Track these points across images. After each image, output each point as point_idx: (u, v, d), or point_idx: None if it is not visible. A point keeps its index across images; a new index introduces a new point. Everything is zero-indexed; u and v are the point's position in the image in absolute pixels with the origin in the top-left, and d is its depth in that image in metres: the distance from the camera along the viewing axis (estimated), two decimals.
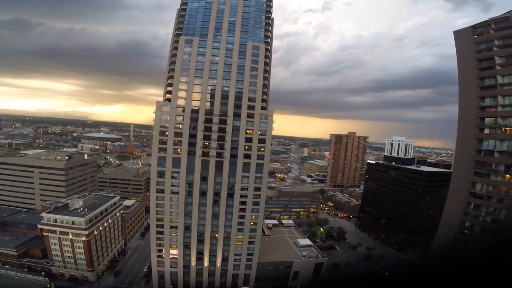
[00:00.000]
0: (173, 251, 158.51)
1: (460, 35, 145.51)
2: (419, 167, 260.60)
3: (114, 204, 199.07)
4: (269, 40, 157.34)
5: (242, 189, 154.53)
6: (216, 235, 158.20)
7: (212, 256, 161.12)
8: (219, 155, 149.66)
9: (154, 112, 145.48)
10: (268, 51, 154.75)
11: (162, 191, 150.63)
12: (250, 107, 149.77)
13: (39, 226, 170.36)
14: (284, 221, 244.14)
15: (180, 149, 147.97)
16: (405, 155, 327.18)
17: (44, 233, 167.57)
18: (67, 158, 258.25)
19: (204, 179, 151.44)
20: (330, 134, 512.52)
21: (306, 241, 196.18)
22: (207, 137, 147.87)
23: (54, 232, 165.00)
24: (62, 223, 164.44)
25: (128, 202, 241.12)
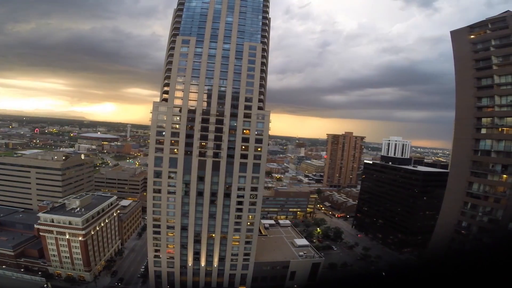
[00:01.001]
0: (170, 251, 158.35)
1: (456, 35, 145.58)
2: (416, 167, 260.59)
3: (111, 204, 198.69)
4: (265, 40, 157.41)
5: (239, 189, 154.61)
6: (213, 235, 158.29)
7: (209, 256, 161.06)
8: (216, 155, 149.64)
9: (151, 112, 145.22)
10: (265, 51, 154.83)
11: (159, 191, 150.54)
12: (247, 107, 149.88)
13: (36, 226, 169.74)
14: (281, 221, 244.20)
15: (177, 149, 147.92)
16: (402, 155, 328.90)
17: (41, 233, 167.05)
18: (64, 158, 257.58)
19: (201, 179, 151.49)
20: (327, 134, 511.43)
21: (303, 241, 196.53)
22: (204, 137, 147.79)
23: (51, 232, 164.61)
24: (59, 223, 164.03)
25: (125, 202, 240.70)
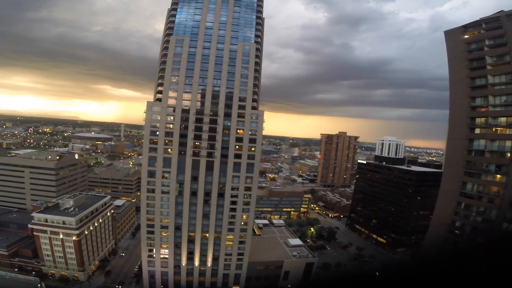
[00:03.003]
0: (164, 251, 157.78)
1: (450, 35, 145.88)
2: (410, 167, 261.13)
3: (105, 203, 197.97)
4: (259, 40, 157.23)
5: (232, 188, 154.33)
6: (207, 235, 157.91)
7: (203, 256, 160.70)
8: (209, 155, 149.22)
9: (144, 112, 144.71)
10: (259, 51, 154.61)
11: (153, 191, 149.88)
12: (241, 107, 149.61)
13: (29, 226, 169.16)
14: (274, 221, 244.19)
15: (171, 149, 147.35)
16: (395, 155, 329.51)
17: (34, 233, 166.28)
18: (57, 158, 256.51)
19: (194, 179, 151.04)
20: (320, 134, 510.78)
21: (297, 241, 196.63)
22: (197, 137, 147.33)
23: (45, 232, 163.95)
24: (52, 223, 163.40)
25: (118, 202, 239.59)
